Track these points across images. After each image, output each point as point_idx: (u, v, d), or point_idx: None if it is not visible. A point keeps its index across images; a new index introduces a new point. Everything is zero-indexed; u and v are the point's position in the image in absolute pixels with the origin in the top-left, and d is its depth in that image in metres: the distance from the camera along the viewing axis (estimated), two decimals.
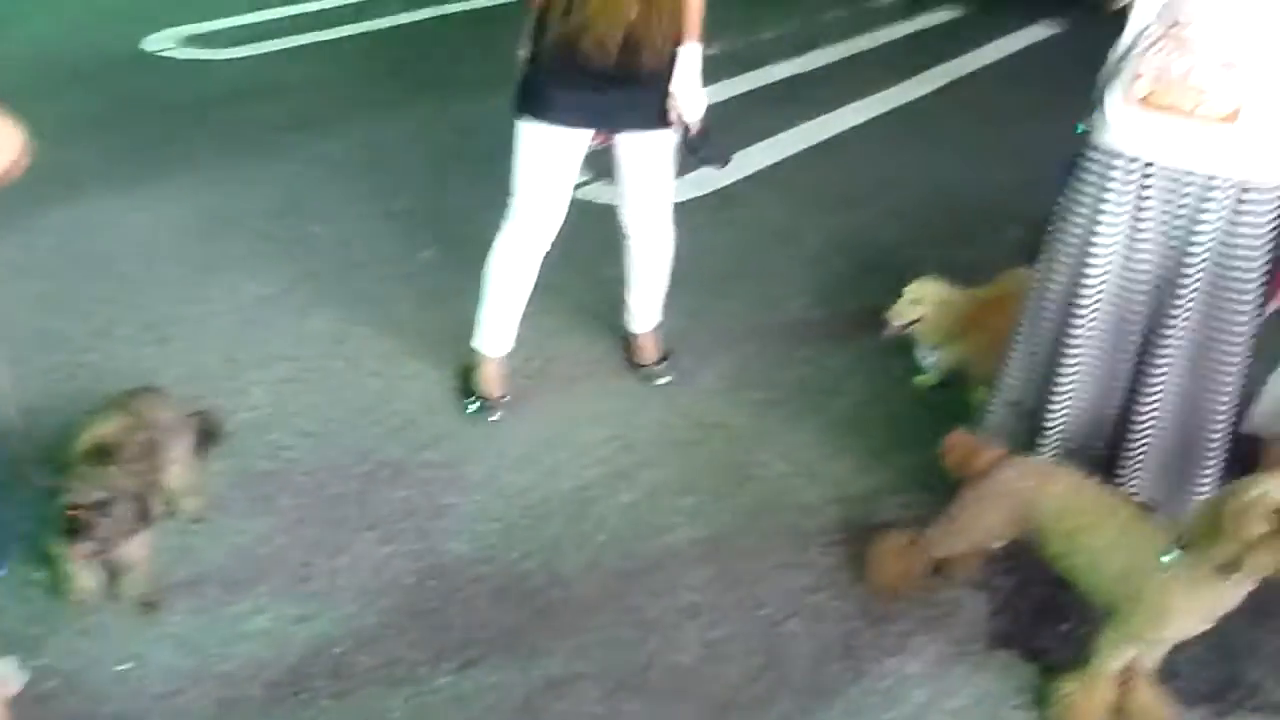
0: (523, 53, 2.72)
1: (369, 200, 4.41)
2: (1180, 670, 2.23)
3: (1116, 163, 2.21)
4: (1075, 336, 2.37)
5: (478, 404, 3.05)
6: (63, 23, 6.80)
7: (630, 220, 3.05)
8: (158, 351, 3.30)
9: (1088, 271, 2.30)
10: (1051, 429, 2.47)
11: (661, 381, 3.24)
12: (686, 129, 2.79)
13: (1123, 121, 2.18)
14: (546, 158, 2.79)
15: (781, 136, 5.22)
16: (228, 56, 6.26)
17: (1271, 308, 2.84)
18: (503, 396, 3.07)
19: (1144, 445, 2.44)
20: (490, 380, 3.08)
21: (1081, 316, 2.34)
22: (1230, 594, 1.94)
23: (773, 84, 6.07)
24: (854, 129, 5.46)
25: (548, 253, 2.95)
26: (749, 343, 3.49)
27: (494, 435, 2.99)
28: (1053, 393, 2.44)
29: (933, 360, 3.20)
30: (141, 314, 3.50)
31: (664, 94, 2.75)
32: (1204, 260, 2.22)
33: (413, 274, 3.83)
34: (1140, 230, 2.24)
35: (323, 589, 2.44)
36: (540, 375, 3.26)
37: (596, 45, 2.60)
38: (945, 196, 4.63)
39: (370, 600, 2.41)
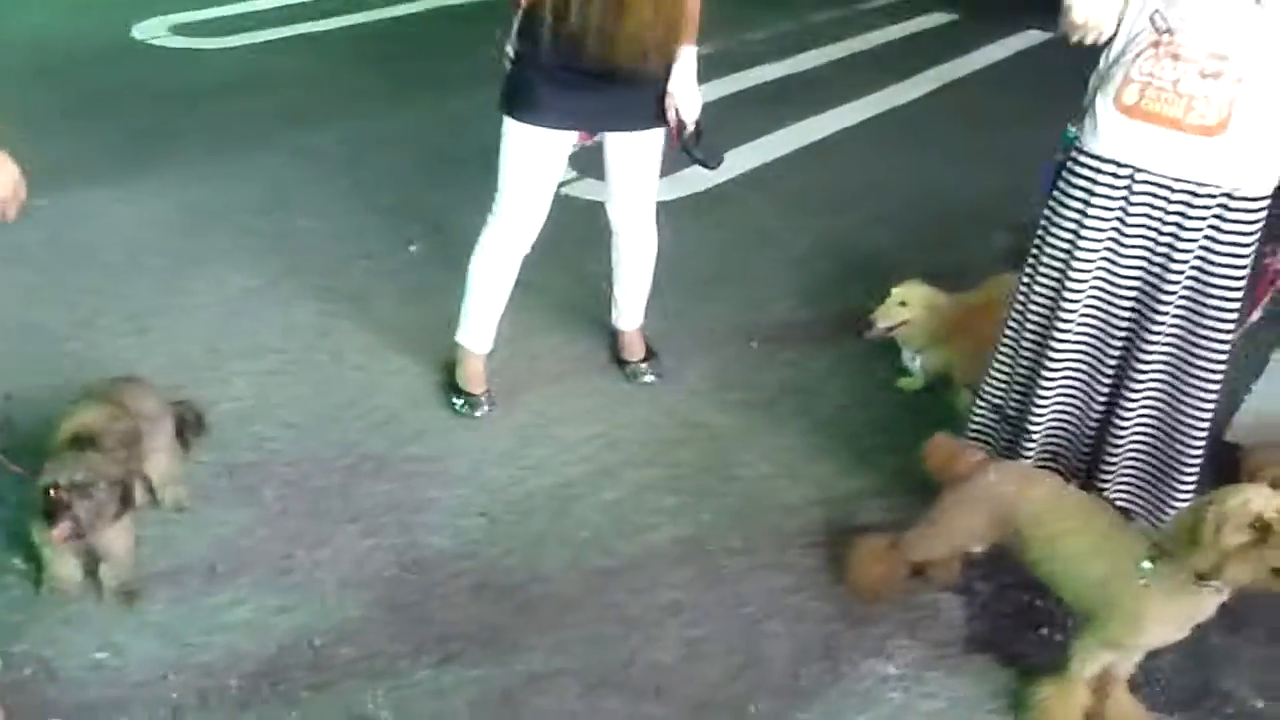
0: (509, 51, 2.70)
1: (356, 194, 4.40)
2: (1156, 677, 2.26)
3: (1104, 169, 2.22)
4: (1058, 342, 2.38)
5: (462, 400, 3.05)
6: (54, 10, 6.75)
7: (617, 218, 3.05)
8: (141, 342, 3.29)
9: (1072, 277, 2.31)
10: (1033, 434, 2.49)
11: (647, 379, 3.25)
12: (682, 128, 2.79)
13: (1112, 128, 2.19)
14: (533, 158, 2.78)
15: (771, 138, 5.23)
16: (218, 46, 6.23)
17: (1253, 318, 2.87)
18: (487, 392, 3.07)
19: (1125, 452, 2.45)
20: (474, 376, 3.07)
21: (1065, 322, 2.35)
22: (1207, 602, 1.96)
23: (763, 85, 6.07)
24: (844, 131, 5.47)
25: (532, 249, 2.95)
26: (733, 343, 3.50)
27: (477, 431, 2.99)
28: (1035, 398, 2.45)
29: (917, 364, 3.21)
30: (126, 305, 3.48)
31: (657, 94, 2.76)
32: (1187, 269, 2.23)
33: (398, 269, 3.82)
34: (1125, 237, 2.25)
35: (304, 581, 2.43)
36: (524, 372, 3.26)
37: (597, 46, 2.59)
38: (933, 200, 4.65)
39: (351, 593, 2.41)
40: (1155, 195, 2.19)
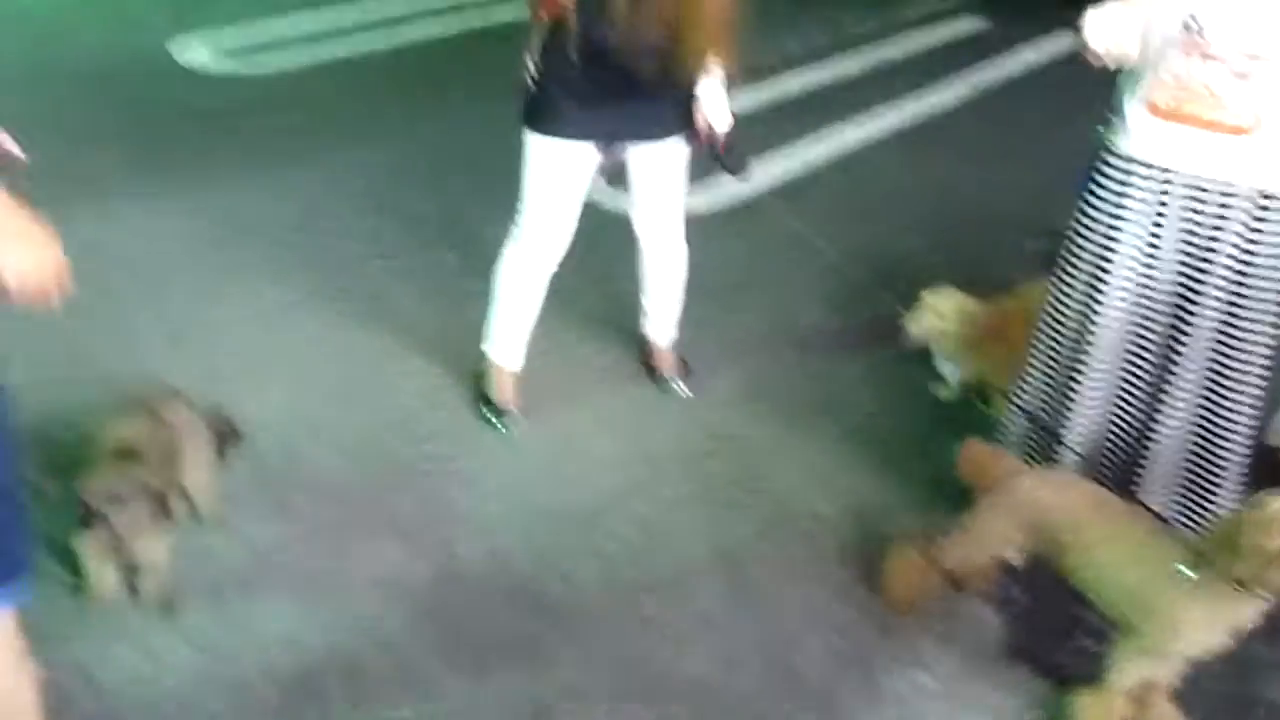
0: (530, 67, 2.68)
1: (389, 209, 4.43)
2: (1198, 686, 2.21)
3: (1135, 170, 2.20)
4: (1093, 348, 2.35)
5: (495, 413, 3.06)
6: (98, 34, 6.87)
7: (644, 231, 3.04)
8: (178, 355, 3.33)
9: (1105, 281, 2.28)
10: (1069, 441, 2.46)
11: (678, 392, 3.24)
12: (712, 137, 2.79)
13: (1142, 129, 2.17)
14: (557, 172, 2.77)
15: (802, 147, 5.22)
16: (258, 68, 6.31)
17: None
18: (519, 405, 3.08)
19: (1164, 457, 2.42)
20: (506, 390, 3.09)
21: (1099, 327, 2.33)
22: (1248, 609, 1.93)
23: (794, 94, 6.06)
24: (876, 140, 5.45)
25: (563, 261, 2.95)
26: (763, 354, 3.49)
27: (511, 444, 3.00)
28: (1070, 404, 2.42)
29: (951, 371, 3.19)
30: (162, 318, 3.53)
31: (680, 104, 2.76)
32: (1223, 271, 2.20)
33: (433, 282, 3.84)
34: (1158, 239, 2.23)
35: (338, 592, 2.45)
36: (556, 383, 3.26)
37: (629, 58, 2.59)
38: (966, 207, 4.61)
39: (385, 605, 2.42)
40: (1191, 197, 2.17)
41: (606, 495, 2.81)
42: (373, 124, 5.43)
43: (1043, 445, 2.54)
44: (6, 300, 1.55)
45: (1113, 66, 2.02)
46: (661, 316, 3.23)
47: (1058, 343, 2.45)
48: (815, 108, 5.83)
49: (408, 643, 2.32)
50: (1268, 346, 2.27)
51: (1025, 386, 2.58)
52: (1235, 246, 2.19)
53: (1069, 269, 2.38)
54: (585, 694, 2.22)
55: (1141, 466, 2.43)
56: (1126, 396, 2.41)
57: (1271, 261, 2.19)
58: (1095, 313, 2.33)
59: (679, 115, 2.78)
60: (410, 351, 3.39)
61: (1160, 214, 2.20)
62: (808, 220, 4.37)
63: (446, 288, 3.77)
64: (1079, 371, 2.39)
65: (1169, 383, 2.33)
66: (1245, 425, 2.34)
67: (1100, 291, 2.31)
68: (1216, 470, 2.39)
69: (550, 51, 2.63)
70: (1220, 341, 2.28)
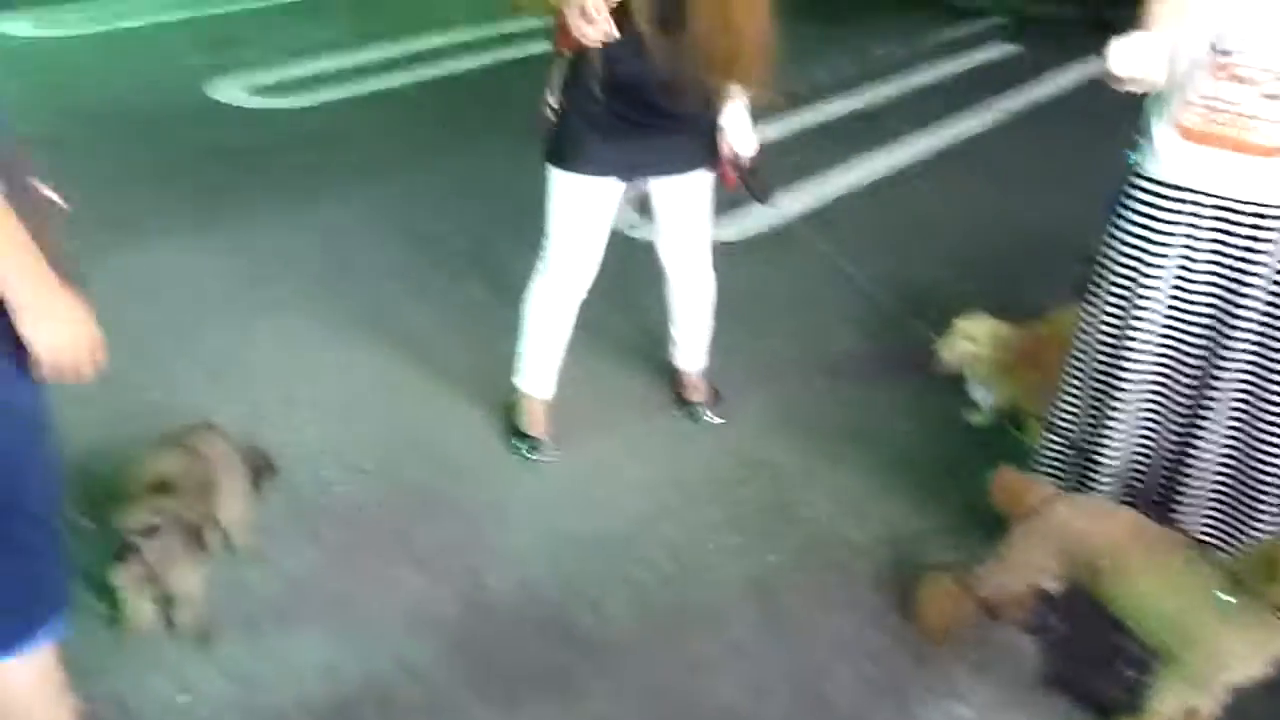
0: (551, 101, 2.68)
1: (420, 243, 4.49)
2: (1241, 716, 2.17)
3: (1165, 194, 2.18)
4: (1128, 372, 2.33)
5: (525, 443, 3.07)
6: (135, 74, 7.04)
7: (669, 261, 3.05)
8: (214, 389, 3.38)
9: (1139, 305, 2.26)
10: (1104, 468, 2.43)
11: (709, 420, 3.24)
12: (738, 165, 2.80)
13: (1171, 152, 2.15)
14: (581, 207, 2.77)
15: (833, 174, 5.23)
16: (291, 105, 6.43)
17: None
18: (549, 435, 3.09)
19: (1202, 483, 2.38)
20: (535, 420, 3.10)
21: (1134, 352, 2.30)
22: None
23: (825, 122, 6.08)
24: (907, 166, 5.45)
25: (592, 290, 2.96)
26: (795, 380, 3.48)
27: (540, 472, 3.01)
28: (1105, 430, 2.40)
29: (984, 398, 3.16)
30: (200, 354, 3.59)
31: (704, 135, 2.78)
32: (1257, 292, 2.18)
33: (462, 314, 3.88)
34: (1194, 262, 2.21)
35: (371, 623, 2.46)
36: (586, 412, 3.27)
37: (655, 90, 2.62)
38: (999, 233, 4.59)
39: (417, 635, 2.43)
40: (1221, 219, 2.15)
41: (637, 523, 2.81)
42: (403, 158, 5.51)
43: (1077, 471, 2.51)
44: (39, 375, 1.54)
45: (1137, 92, 2.01)
46: (690, 344, 3.23)
47: (1090, 368, 2.43)
48: (845, 135, 5.84)
49: (439, 673, 2.33)
50: None
51: (1059, 412, 2.55)
52: (1268, 268, 2.16)
53: (1100, 294, 2.36)
54: None
55: (1178, 492, 2.39)
56: (1162, 421, 2.38)
57: None
58: (1128, 337, 2.30)
59: (704, 147, 2.79)
60: (441, 384, 3.42)
61: (1191, 237, 2.18)
62: (839, 247, 4.38)
63: (477, 321, 3.80)
64: (1112, 396, 2.37)
65: (1205, 407, 2.30)
66: None
67: (1132, 316, 2.28)
68: (1257, 496, 2.34)
69: (573, 85, 2.64)
70: (1256, 363, 2.25)
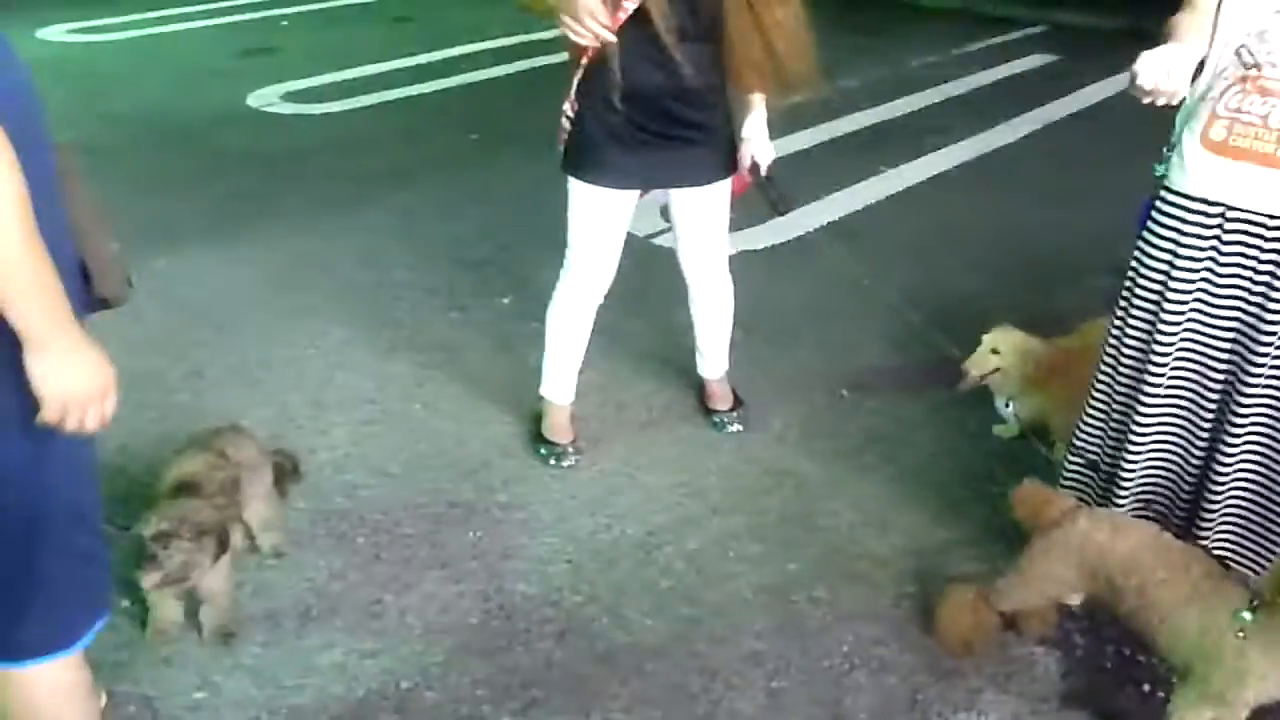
0: (568, 111, 2.70)
1: (450, 249, 4.53)
2: None
3: (1193, 207, 2.16)
4: (1152, 387, 2.31)
5: (549, 450, 3.09)
6: (174, 82, 7.17)
7: (689, 269, 3.06)
8: (246, 393, 3.43)
9: (1164, 320, 2.24)
10: (1127, 483, 2.41)
11: (732, 429, 3.24)
12: (757, 173, 2.81)
13: (1199, 166, 2.13)
14: (599, 215, 2.79)
15: (863, 185, 5.22)
16: (325, 111, 6.52)
17: None
18: (573, 442, 3.11)
19: (1226, 500, 2.35)
20: (560, 427, 3.12)
21: (1159, 366, 2.28)
22: None
23: (857, 132, 6.07)
24: (937, 177, 5.43)
25: (618, 299, 2.98)
26: (820, 391, 3.48)
27: (564, 479, 3.02)
28: (1129, 446, 2.37)
29: (1011, 412, 3.14)
30: (232, 357, 3.64)
31: (726, 145, 2.79)
32: None
33: (490, 321, 3.91)
34: (1219, 277, 2.18)
35: (392, 626, 2.49)
36: (611, 420, 3.29)
37: (677, 102, 2.63)
38: (1030, 245, 4.56)
39: (438, 638, 2.45)
40: (1248, 234, 2.12)
41: (659, 530, 2.82)
42: (435, 164, 5.57)
43: (1102, 488, 2.49)
44: (42, 419, 1.46)
45: (1160, 104, 2.00)
46: (711, 351, 3.24)
47: (1116, 382, 2.40)
48: (876, 145, 5.83)
49: (459, 676, 2.35)
50: None
51: (1084, 426, 2.53)
52: None
53: (1128, 308, 2.34)
54: None
55: (1204, 510, 2.37)
56: (1187, 438, 2.35)
57: None
58: (1153, 351, 2.28)
59: (723, 158, 2.81)
60: (469, 390, 3.45)
61: (1217, 251, 2.16)
62: (866, 258, 4.38)
63: (505, 329, 3.83)
64: (1138, 412, 2.34)
65: (1231, 422, 2.27)
66: None
67: (1159, 331, 2.26)
68: (1279, 512, 2.31)
69: (591, 95, 2.65)
70: None
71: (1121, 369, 2.38)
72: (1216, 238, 2.15)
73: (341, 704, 2.27)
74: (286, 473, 2.74)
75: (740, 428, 3.25)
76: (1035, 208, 4.98)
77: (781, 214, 2.91)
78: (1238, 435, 2.27)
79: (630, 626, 2.50)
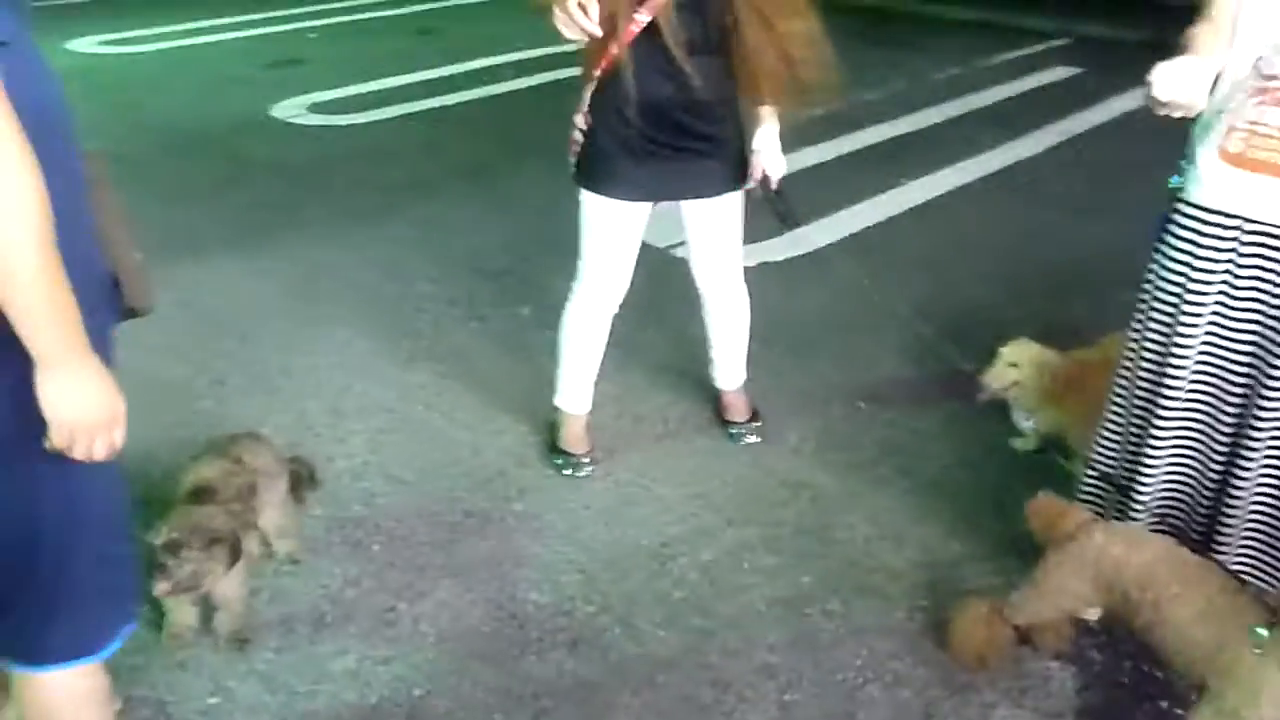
0: (580, 123, 2.71)
1: (470, 260, 4.55)
2: None
3: (1209, 219, 2.14)
4: (1169, 401, 2.29)
5: (564, 460, 3.09)
6: (198, 92, 7.25)
7: (702, 281, 3.06)
8: (266, 400, 3.46)
9: (1181, 333, 2.22)
10: (1143, 497, 2.38)
11: (748, 441, 3.24)
12: (767, 185, 2.81)
13: (1216, 178, 2.12)
14: (612, 228, 2.80)
15: (883, 197, 5.20)
16: (349, 122, 6.57)
17: None
18: (589, 452, 3.11)
19: (1244, 516, 2.32)
20: (575, 437, 3.12)
21: (1175, 380, 2.26)
22: None
23: (877, 145, 6.06)
24: (958, 190, 5.41)
25: (634, 309, 2.98)
26: (836, 403, 3.47)
27: (579, 489, 3.03)
28: (1145, 460, 2.35)
29: (1029, 425, 3.12)
30: (253, 365, 3.67)
31: (738, 157, 2.79)
32: None
33: (509, 332, 3.93)
34: (1236, 290, 2.16)
35: (405, 633, 2.50)
36: (626, 431, 3.29)
37: (688, 115, 2.64)
38: (1050, 257, 4.54)
39: (450, 646, 2.46)
40: (1266, 246, 2.10)
41: (672, 541, 2.81)
42: (456, 176, 5.60)
43: (1118, 502, 2.47)
44: (48, 444, 1.44)
45: (1177, 115, 1.99)
46: (726, 362, 3.24)
47: (1133, 395, 2.39)
48: (895, 158, 5.82)
49: (470, 684, 2.35)
50: None
51: (1101, 440, 2.51)
52: None
53: (1144, 321, 2.32)
54: None
55: (1222, 525, 2.34)
56: (1205, 453, 2.33)
57: None
58: (1170, 366, 2.26)
59: (734, 170, 2.81)
60: (486, 400, 3.46)
61: (1234, 264, 2.14)
62: (884, 270, 4.36)
63: (522, 339, 3.84)
64: (1154, 427, 2.32)
65: (1249, 436, 2.24)
66: None
67: (1175, 344, 2.24)
68: None
69: (603, 108, 2.66)
70: None
71: (1138, 383, 2.36)
72: (1233, 250, 2.13)
73: (354, 711, 2.28)
74: (303, 480, 2.76)
75: (756, 439, 3.24)
76: (1056, 220, 4.96)
77: (790, 228, 2.91)
78: (1256, 449, 2.24)
79: (642, 637, 2.50)
